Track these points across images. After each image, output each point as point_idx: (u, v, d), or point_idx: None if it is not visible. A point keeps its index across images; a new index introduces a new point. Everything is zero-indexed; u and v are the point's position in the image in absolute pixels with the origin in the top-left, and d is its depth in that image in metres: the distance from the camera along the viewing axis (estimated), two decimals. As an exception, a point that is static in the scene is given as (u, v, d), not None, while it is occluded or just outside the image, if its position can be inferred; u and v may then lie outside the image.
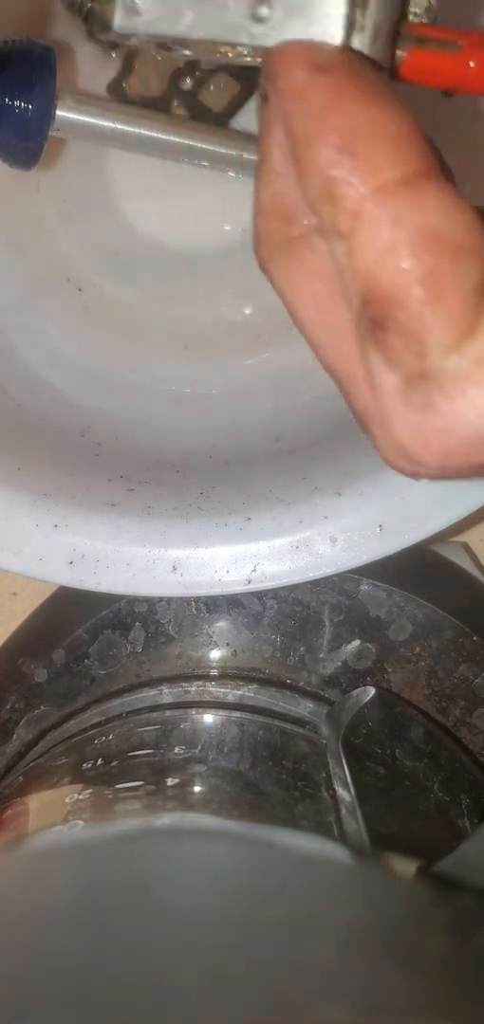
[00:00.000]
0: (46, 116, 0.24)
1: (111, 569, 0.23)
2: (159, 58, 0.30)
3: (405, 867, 0.16)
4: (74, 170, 0.32)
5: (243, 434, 0.28)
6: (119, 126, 0.26)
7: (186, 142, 0.27)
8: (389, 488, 0.22)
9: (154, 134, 0.26)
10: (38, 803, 0.21)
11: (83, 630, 0.26)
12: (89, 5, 0.30)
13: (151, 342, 0.30)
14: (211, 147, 0.27)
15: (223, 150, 0.27)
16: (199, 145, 0.27)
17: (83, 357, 0.30)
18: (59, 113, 0.25)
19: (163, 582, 0.22)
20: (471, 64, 0.16)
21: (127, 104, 0.28)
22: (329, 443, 0.26)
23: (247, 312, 0.30)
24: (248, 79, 0.30)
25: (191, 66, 0.30)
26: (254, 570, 0.22)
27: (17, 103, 0.24)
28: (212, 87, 0.30)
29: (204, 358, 0.30)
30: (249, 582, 0.22)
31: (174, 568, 0.22)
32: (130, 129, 0.26)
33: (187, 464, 0.27)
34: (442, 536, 0.23)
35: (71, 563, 0.23)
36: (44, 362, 0.30)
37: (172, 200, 0.31)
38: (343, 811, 0.19)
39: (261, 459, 0.26)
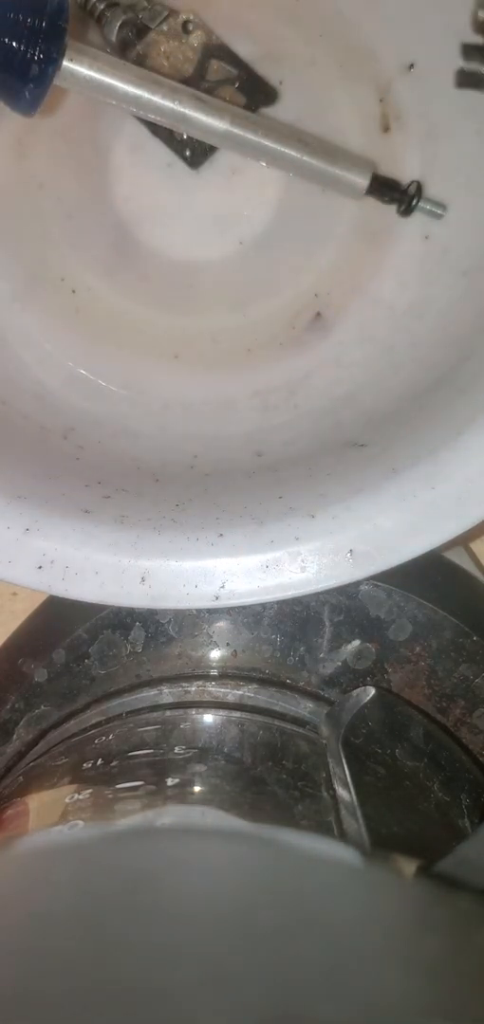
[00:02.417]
0: (52, 66, 0.24)
1: (80, 576, 0.23)
2: (167, 64, 0.30)
3: (405, 867, 0.16)
4: (77, 171, 0.32)
5: (226, 447, 0.28)
6: (129, 88, 0.26)
7: (194, 115, 0.27)
8: (362, 513, 0.22)
9: (161, 100, 0.26)
10: (38, 803, 0.21)
11: (83, 630, 0.26)
12: (102, 7, 0.30)
13: (141, 349, 0.30)
14: (221, 124, 0.27)
15: (238, 131, 0.27)
16: (209, 121, 0.27)
17: (71, 359, 0.30)
18: (66, 64, 0.24)
19: (131, 593, 0.22)
20: None
21: (138, 67, 0.27)
22: (308, 463, 0.26)
23: (239, 325, 0.30)
24: (253, 92, 0.30)
25: (199, 77, 0.30)
26: (222, 587, 0.22)
27: (25, 48, 0.23)
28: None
29: (193, 368, 0.30)
30: (217, 598, 0.22)
31: (143, 579, 0.22)
32: (137, 92, 0.26)
33: (167, 473, 0.27)
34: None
35: (40, 568, 0.23)
36: (33, 361, 0.30)
37: (171, 209, 0.31)
38: (343, 811, 0.19)
39: (241, 473, 0.27)
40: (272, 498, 0.24)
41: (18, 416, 0.28)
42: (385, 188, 0.29)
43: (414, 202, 0.29)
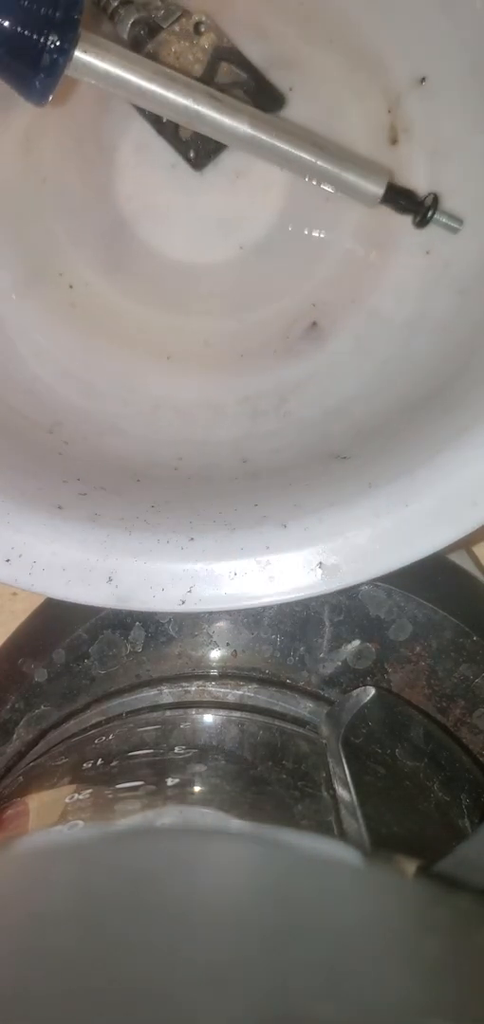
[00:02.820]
0: (63, 56, 0.24)
1: (47, 572, 0.22)
2: (176, 65, 0.30)
3: (405, 867, 0.16)
4: (81, 168, 0.32)
5: (213, 451, 0.28)
6: (143, 83, 0.26)
7: (209, 113, 0.26)
8: (334, 527, 0.22)
9: (175, 96, 0.26)
10: (38, 803, 0.21)
11: (83, 630, 0.26)
12: (115, 4, 0.30)
13: (135, 348, 0.30)
14: (237, 123, 0.27)
15: (254, 131, 0.27)
16: (224, 119, 0.27)
17: (64, 353, 0.30)
18: (78, 55, 0.24)
19: (97, 592, 0.22)
20: None
21: (150, 60, 0.27)
22: (289, 473, 0.26)
23: (234, 330, 0.30)
24: (261, 97, 0.30)
25: (208, 79, 0.30)
26: (189, 591, 0.22)
27: (37, 37, 0.23)
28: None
29: (185, 370, 0.30)
30: (183, 602, 0.22)
31: (110, 579, 0.22)
32: (150, 87, 0.26)
33: (149, 474, 0.26)
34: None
35: (8, 560, 0.23)
36: (29, 353, 0.30)
37: (173, 210, 0.31)
38: (343, 811, 0.19)
39: (224, 478, 0.26)
40: (247, 505, 0.23)
41: (5, 407, 0.28)
42: (400, 197, 0.28)
43: (430, 214, 0.28)
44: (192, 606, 0.22)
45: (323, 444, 0.27)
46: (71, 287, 0.31)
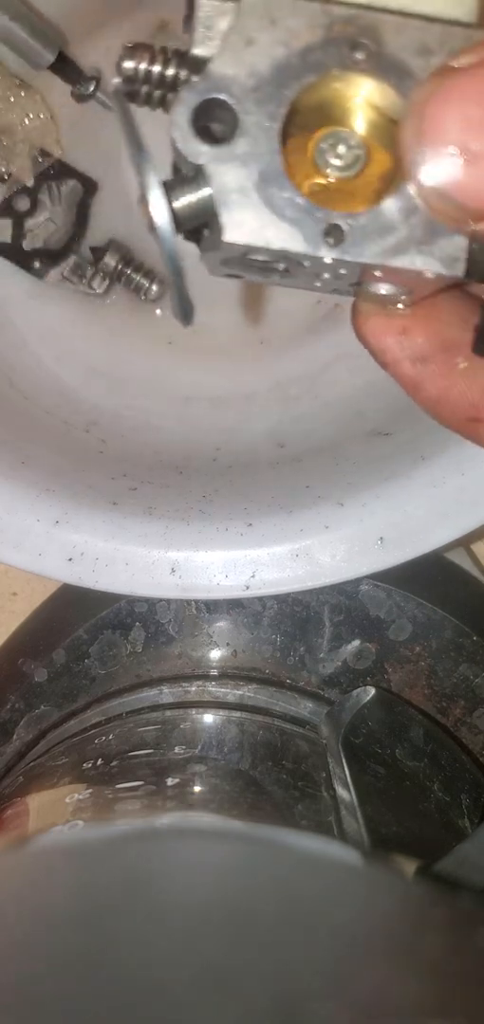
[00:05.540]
0: None
1: (110, 568, 0.23)
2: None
3: (405, 867, 0.16)
4: (94, 162, 0.32)
5: (247, 438, 0.28)
6: None
7: None
8: (391, 501, 0.22)
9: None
10: (38, 803, 0.21)
11: (83, 630, 0.26)
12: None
13: (158, 342, 0.30)
14: None
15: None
16: None
17: (90, 353, 0.30)
18: None
19: (161, 583, 0.22)
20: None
21: None
22: (332, 452, 0.26)
23: (259, 317, 0.31)
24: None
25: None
26: (253, 576, 0.22)
27: None
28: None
29: (211, 360, 0.30)
30: (247, 588, 0.22)
31: (173, 570, 0.22)
32: None
33: (190, 466, 0.27)
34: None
35: (70, 560, 0.23)
36: (52, 356, 0.30)
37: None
38: (343, 811, 0.19)
39: (264, 464, 0.26)
40: (299, 487, 0.24)
41: (40, 411, 0.28)
42: (68, 68, 0.29)
43: (92, 88, 0.29)
44: (257, 590, 0.22)
45: (359, 422, 0.27)
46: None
